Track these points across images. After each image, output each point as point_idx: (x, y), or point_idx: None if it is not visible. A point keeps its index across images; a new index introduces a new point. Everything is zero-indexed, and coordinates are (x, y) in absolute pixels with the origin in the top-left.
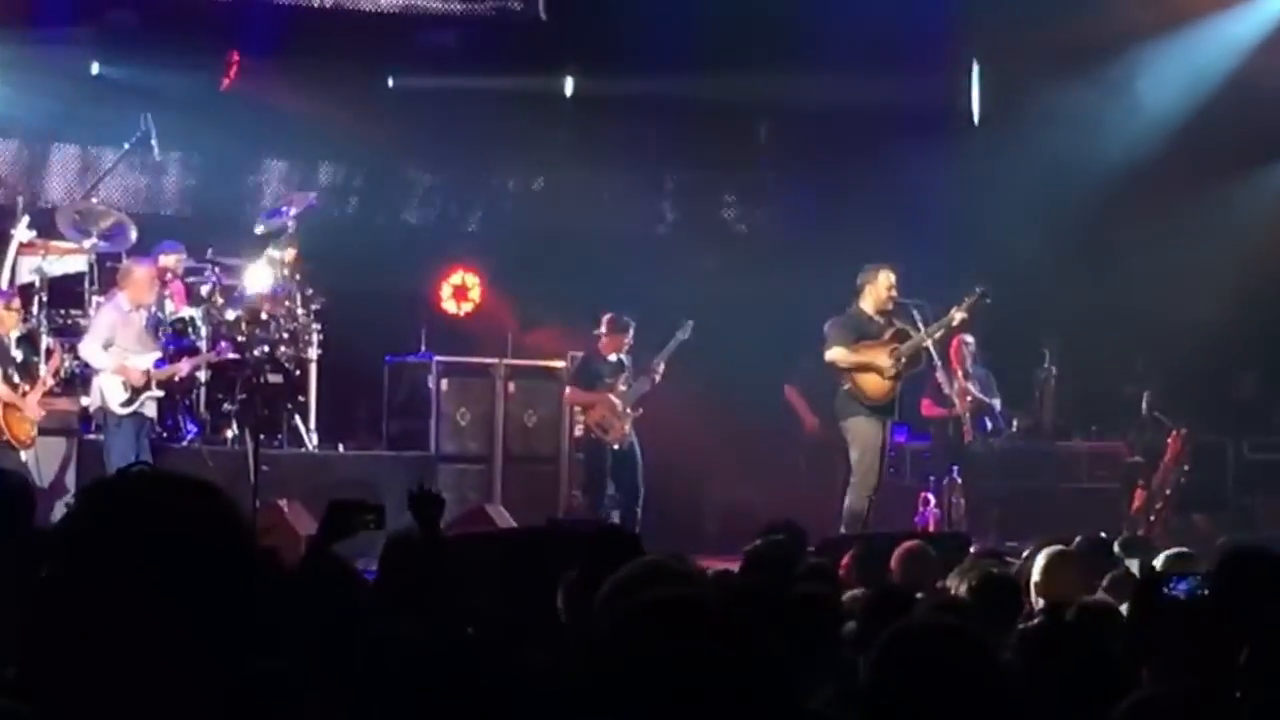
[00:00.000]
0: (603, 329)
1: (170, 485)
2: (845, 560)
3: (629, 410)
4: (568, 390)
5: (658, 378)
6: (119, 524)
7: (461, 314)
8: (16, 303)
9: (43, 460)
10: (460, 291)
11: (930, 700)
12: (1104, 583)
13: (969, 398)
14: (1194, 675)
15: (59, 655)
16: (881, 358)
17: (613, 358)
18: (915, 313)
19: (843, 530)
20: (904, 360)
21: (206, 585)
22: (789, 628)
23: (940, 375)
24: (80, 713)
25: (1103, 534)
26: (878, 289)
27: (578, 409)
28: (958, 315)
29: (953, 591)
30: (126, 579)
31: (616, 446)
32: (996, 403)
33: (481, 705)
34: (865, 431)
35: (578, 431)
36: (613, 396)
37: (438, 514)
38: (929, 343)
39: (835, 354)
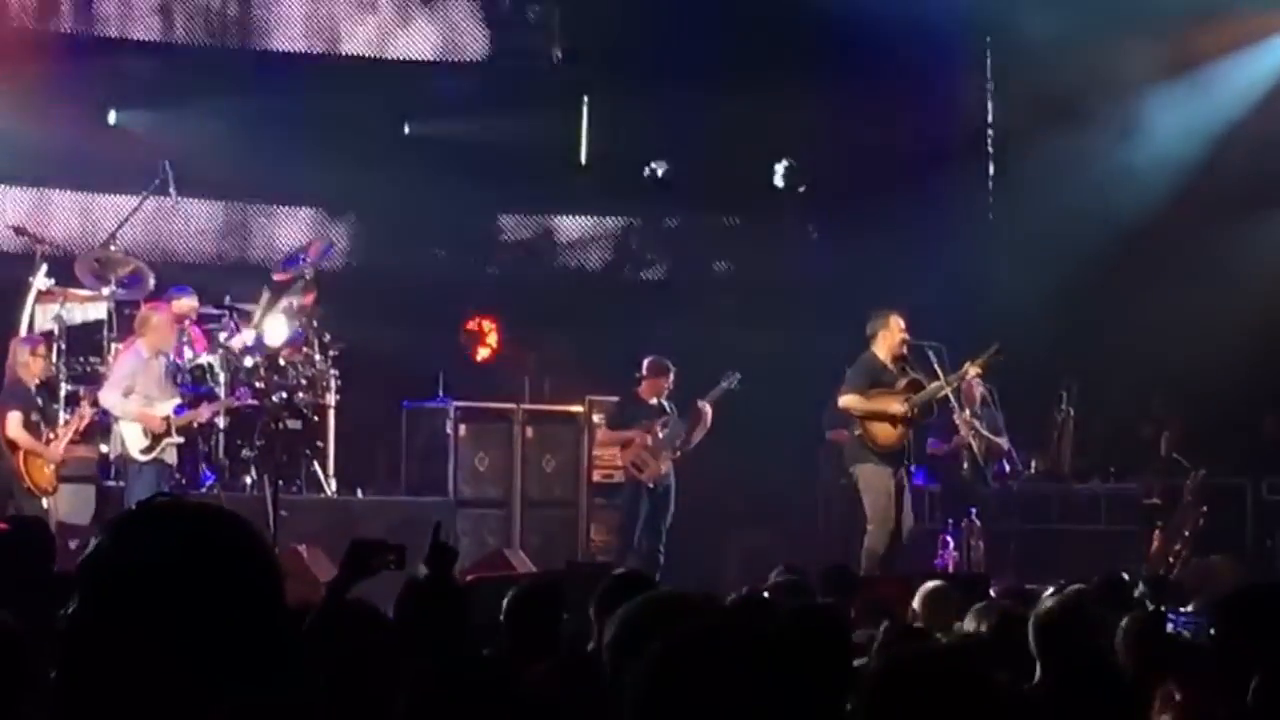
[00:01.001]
0: (643, 371)
1: (194, 513)
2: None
3: (666, 453)
4: (600, 431)
5: (708, 420)
6: (142, 551)
7: (479, 360)
8: (43, 349)
9: (64, 507)
10: (478, 337)
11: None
12: (1124, 623)
13: (974, 434)
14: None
15: (88, 687)
16: (894, 406)
17: (653, 401)
18: (932, 355)
19: (861, 572)
20: (917, 410)
21: (230, 614)
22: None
23: (957, 417)
24: None
25: (1124, 575)
26: (890, 335)
27: (608, 452)
28: (971, 370)
29: (970, 631)
30: (150, 607)
31: (652, 486)
32: (1004, 442)
33: None
34: (874, 478)
35: (596, 476)
36: (647, 435)
37: (451, 564)
38: (944, 393)
39: (849, 400)
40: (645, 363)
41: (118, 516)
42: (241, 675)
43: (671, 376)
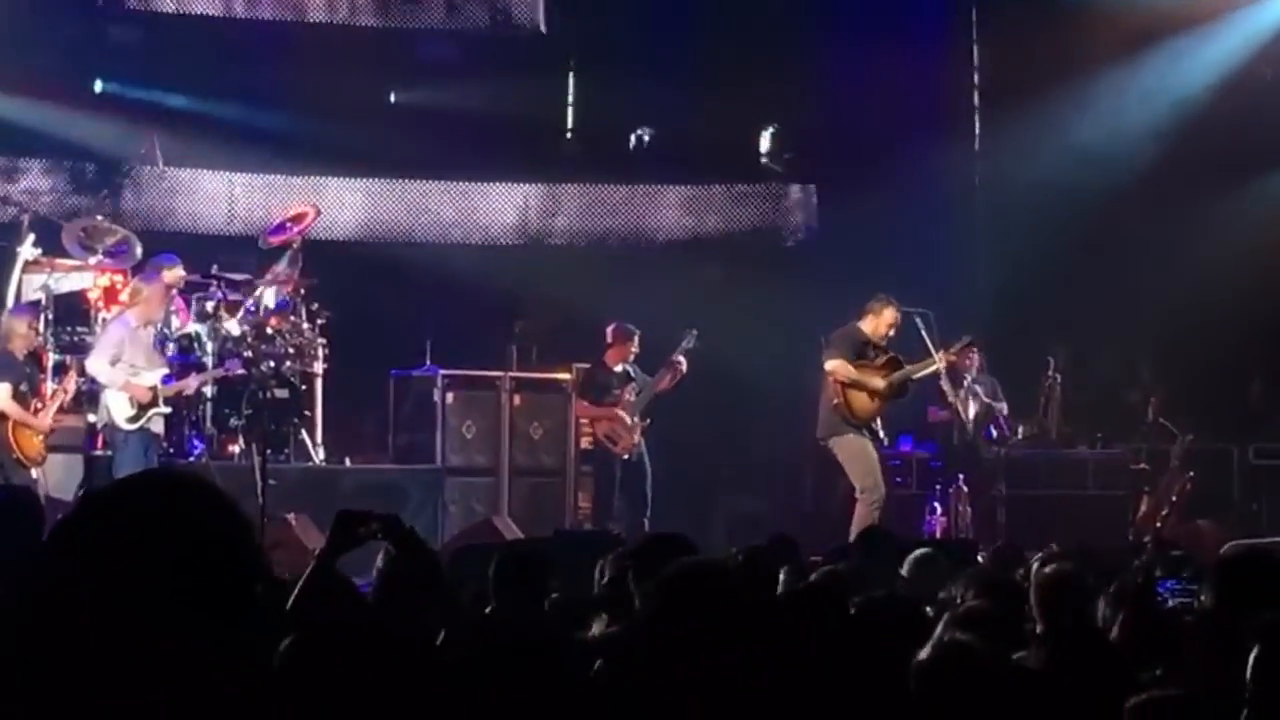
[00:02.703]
0: (608, 338)
1: (169, 484)
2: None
3: (637, 421)
4: (576, 404)
5: (683, 368)
6: (107, 522)
7: (464, 327)
8: (36, 321)
9: (52, 477)
10: (464, 305)
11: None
12: (1111, 589)
13: (973, 402)
14: (1196, 678)
15: (50, 653)
16: (875, 380)
17: (619, 368)
18: (919, 321)
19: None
20: (894, 386)
21: (203, 582)
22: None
23: (945, 384)
24: (72, 710)
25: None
26: (880, 321)
27: (584, 421)
28: (943, 361)
29: (958, 599)
30: (113, 574)
31: (626, 457)
32: (1003, 406)
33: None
34: (854, 446)
35: (584, 443)
36: (620, 410)
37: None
38: (922, 374)
39: (836, 365)
40: (610, 329)
41: (90, 490)
42: (212, 644)
43: (636, 341)
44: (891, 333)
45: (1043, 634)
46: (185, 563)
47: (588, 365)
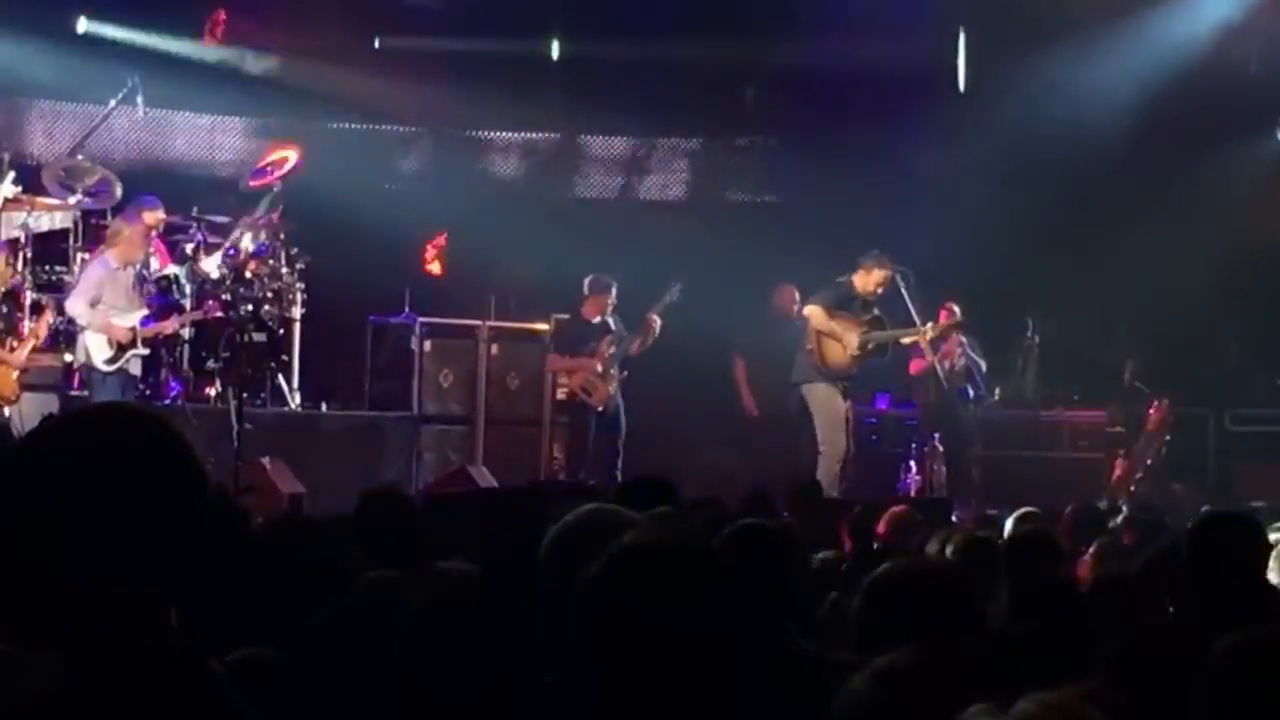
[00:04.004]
0: (585, 290)
1: (113, 417)
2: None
3: (613, 373)
4: (550, 356)
5: (656, 329)
6: (42, 452)
7: (444, 276)
8: (8, 256)
9: (27, 416)
10: (443, 253)
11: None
12: (1091, 549)
13: (958, 356)
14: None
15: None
16: (851, 333)
17: (596, 320)
18: (899, 279)
19: None
20: (871, 346)
21: (138, 516)
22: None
23: (922, 343)
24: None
25: (1099, 503)
26: (869, 279)
27: (559, 373)
28: (929, 333)
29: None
30: (43, 504)
31: (601, 409)
32: (983, 364)
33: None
34: (823, 397)
35: (560, 394)
36: (595, 361)
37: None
38: (906, 340)
39: (811, 311)
40: (587, 281)
41: (42, 421)
42: (149, 578)
43: (614, 293)
44: (880, 291)
45: (1011, 592)
46: (128, 496)
47: (566, 316)
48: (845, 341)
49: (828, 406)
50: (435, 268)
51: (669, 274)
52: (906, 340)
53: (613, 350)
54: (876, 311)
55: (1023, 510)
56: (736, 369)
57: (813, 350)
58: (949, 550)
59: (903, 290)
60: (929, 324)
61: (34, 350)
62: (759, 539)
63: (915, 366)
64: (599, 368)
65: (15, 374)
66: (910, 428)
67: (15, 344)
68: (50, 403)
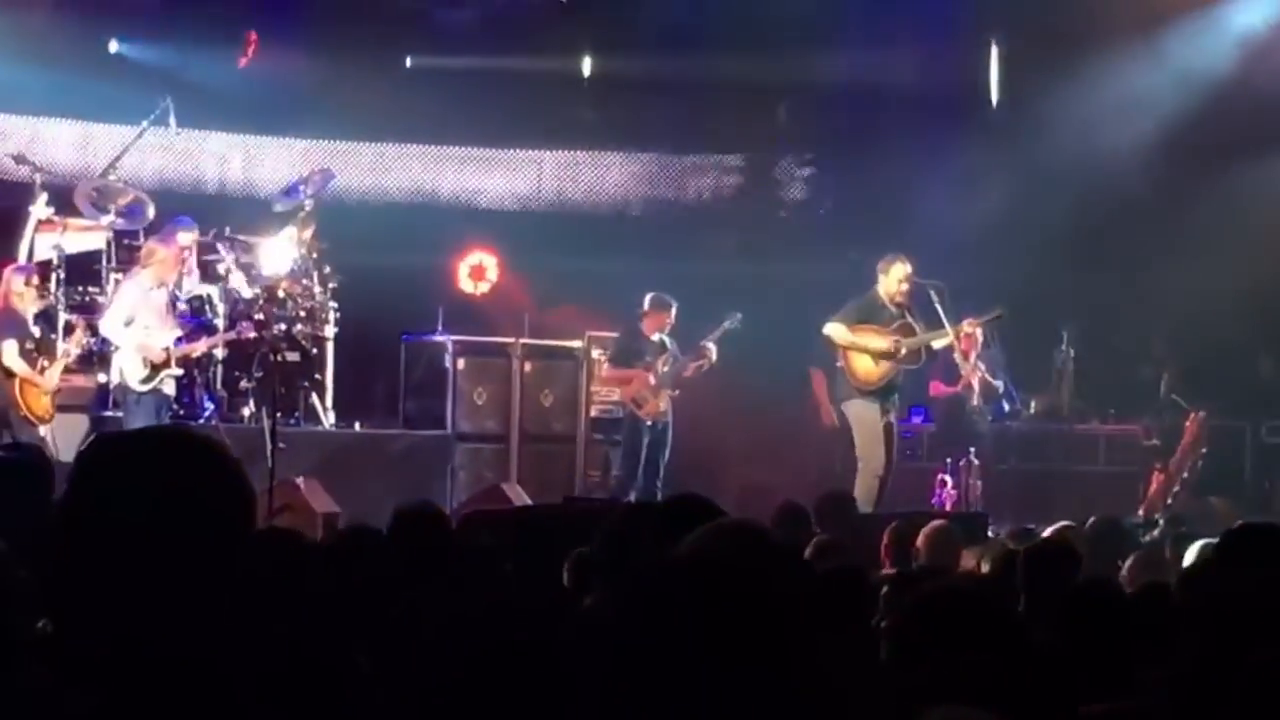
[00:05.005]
0: (645, 307)
1: (170, 441)
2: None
3: (666, 390)
4: (605, 368)
5: (712, 357)
6: (114, 472)
7: (478, 293)
8: (36, 279)
9: (61, 437)
10: (477, 271)
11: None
12: (1127, 563)
13: (978, 376)
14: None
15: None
16: (879, 343)
17: (655, 337)
18: (933, 294)
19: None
20: (904, 352)
21: (193, 535)
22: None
23: (958, 356)
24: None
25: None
26: (889, 279)
27: (606, 388)
28: (968, 328)
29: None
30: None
31: (650, 423)
32: (1000, 384)
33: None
34: (861, 414)
35: (594, 412)
36: (649, 375)
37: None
38: (939, 343)
39: (831, 329)
40: (647, 298)
41: (96, 444)
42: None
43: (674, 312)
44: (905, 287)
45: (1028, 602)
46: (187, 527)
47: (618, 334)
48: (873, 352)
49: (864, 421)
50: (468, 285)
51: (702, 289)
52: (938, 344)
53: (666, 369)
54: (907, 318)
55: (1060, 524)
56: (814, 381)
57: (843, 367)
58: (986, 566)
59: (937, 305)
60: (964, 321)
61: (66, 370)
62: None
63: (936, 390)
64: (652, 380)
65: (48, 394)
66: (943, 442)
67: (46, 364)
68: (83, 423)
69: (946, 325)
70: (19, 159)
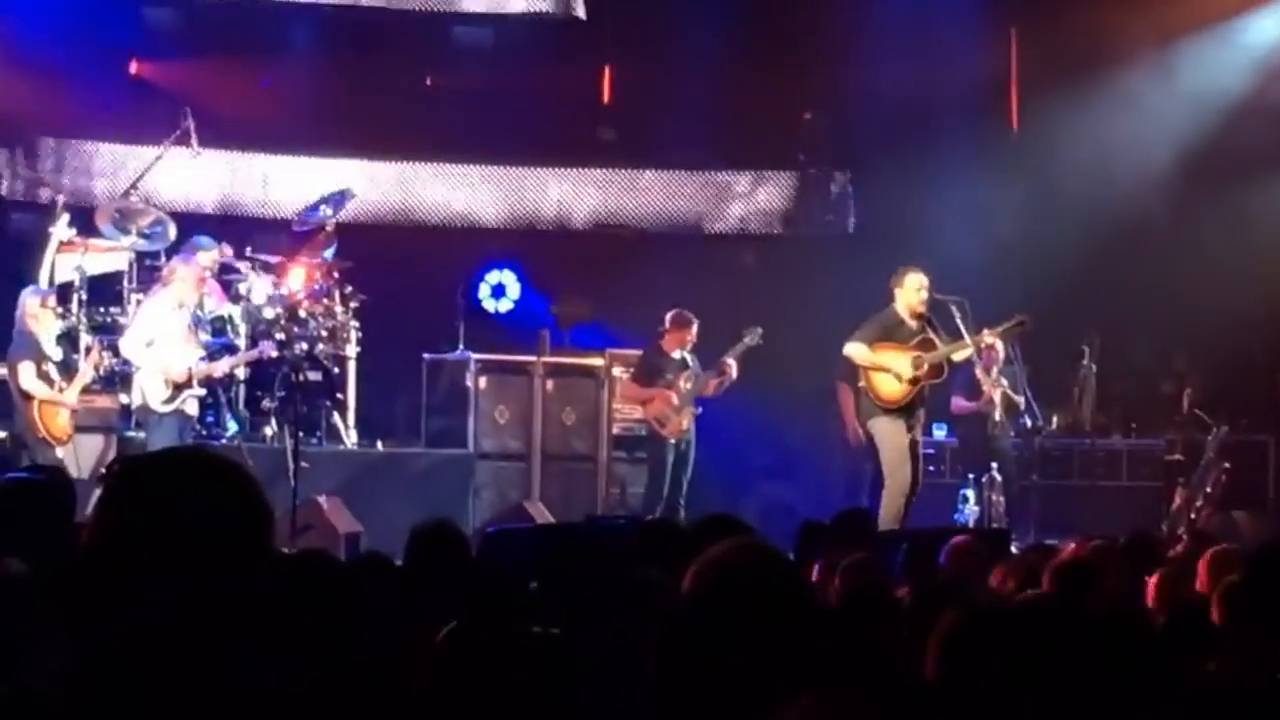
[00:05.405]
0: (666, 324)
1: (192, 463)
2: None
3: (689, 407)
4: (625, 384)
5: (733, 375)
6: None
7: (500, 312)
8: (53, 301)
9: (82, 457)
10: (498, 289)
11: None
12: (1153, 579)
13: (999, 392)
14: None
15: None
16: (900, 361)
17: (676, 354)
18: (955, 309)
19: (879, 528)
20: (926, 368)
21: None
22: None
23: (979, 371)
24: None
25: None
26: (905, 292)
27: (628, 406)
28: (989, 337)
29: (998, 587)
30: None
31: (674, 441)
32: (1022, 400)
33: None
34: (887, 431)
35: (616, 430)
36: (671, 393)
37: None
38: (960, 355)
39: (850, 349)
40: (669, 315)
41: (123, 467)
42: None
43: (695, 329)
44: (924, 295)
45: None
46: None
47: (641, 352)
48: (895, 371)
49: (889, 439)
50: (490, 304)
51: (722, 306)
52: (959, 356)
53: (688, 386)
54: (927, 332)
55: (1094, 543)
56: (841, 395)
57: (865, 387)
58: (1011, 583)
59: (958, 320)
60: (985, 330)
61: (85, 390)
62: None
63: (957, 407)
64: (674, 399)
65: (67, 414)
66: (959, 458)
67: (65, 385)
68: (105, 444)
69: (967, 337)
70: (40, 181)
